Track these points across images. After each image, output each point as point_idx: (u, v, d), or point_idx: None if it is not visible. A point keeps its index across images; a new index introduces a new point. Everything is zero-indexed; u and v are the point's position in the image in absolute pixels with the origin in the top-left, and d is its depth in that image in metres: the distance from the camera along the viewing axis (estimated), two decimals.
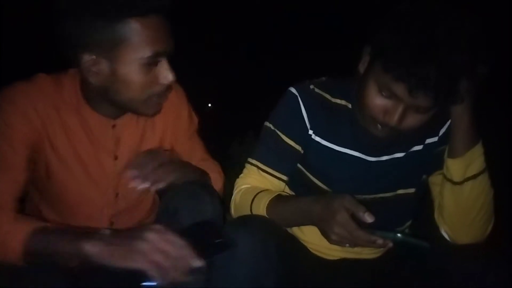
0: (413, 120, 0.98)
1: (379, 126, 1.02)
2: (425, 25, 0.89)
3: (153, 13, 0.93)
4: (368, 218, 0.88)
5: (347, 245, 0.92)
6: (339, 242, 0.92)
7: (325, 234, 0.95)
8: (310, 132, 1.14)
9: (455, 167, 1.05)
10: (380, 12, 0.98)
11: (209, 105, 5.07)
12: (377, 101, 0.98)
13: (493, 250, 0.99)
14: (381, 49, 0.94)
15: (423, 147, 1.14)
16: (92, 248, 0.81)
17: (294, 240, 1.21)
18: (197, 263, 0.81)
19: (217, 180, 1.22)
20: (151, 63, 0.95)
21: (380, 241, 0.87)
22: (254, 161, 1.16)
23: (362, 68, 1.04)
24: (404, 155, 1.14)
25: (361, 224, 0.89)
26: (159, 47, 0.94)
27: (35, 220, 0.90)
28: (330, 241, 0.94)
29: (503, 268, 0.93)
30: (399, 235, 0.86)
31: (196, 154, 1.23)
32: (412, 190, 1.16)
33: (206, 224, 0.94)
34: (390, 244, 0.88)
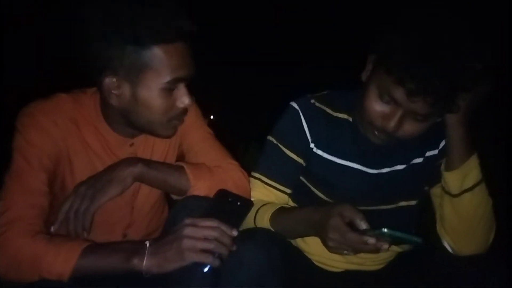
0: (410, 128, 0.99)
1: (376, 132, 1.04)
2: (429, 30, 0.91)
3: (179, 40, 0.95)
4: (363, 225, 0.89)
5: (346, 252, 0.92)
6: (337, 249, 0.92)
7: (323, 242, 0.95)
8: (312, 145, 1.16)
9: (451, 179, 1.06)
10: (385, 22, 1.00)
11: (211, 117, 5.08)
12: (376, 106, 1.00)
13: (494, 257, 1.00)
14: (385, 52, 0.96)
15: (424, 159, 1.15)
16: (142, 263, 0.87)
17: (298, 252, 1.22)
18: (235, 232, 0.91)
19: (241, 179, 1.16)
20: (170, 88, 0.97)
21: (371, 240, 0.86)
22: (258, 175, 1.18)
23: (365, 76, 1.06)
24: (405, 168, 1.15)
25: (358, 231, 0.90)
26: (181, 73, 0.96)
27: (78, 242, 0.91)
28: (328, 248, 0.94)
29: (505, 276, 0.94)
30: (385, 230, 0.86)
31: (212, 153, 1.18)
32: (413, 202, 1.17)
33: (222, 196, 0.99)
34: (386, 246, 0.87)
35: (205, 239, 0.88)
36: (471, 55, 0.90)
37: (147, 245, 0.89)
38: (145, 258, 0.88)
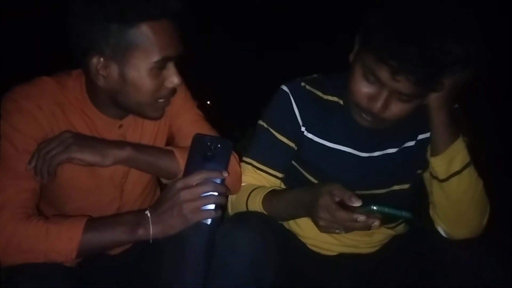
0: (396, 109, 0.98)
1: (363, 114, 1.03)
2: (413, 9, 0.90)
3: (165, 17, 0.93)
4: (355, 202, 0.88)
5: (337, 231, 0.92)
6: (328, 228, 0.92)
7: (314, 222, 0.95)
8: (303, 129, 1.15)
9: (437, 164, 1.05)
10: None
11: (208, 102, 5.07)
12: (362, 87, 0.99)
13: (489, 243, 0.99)
14: (368, 31, 0.95)
15: (416, 143, 1.14)
16: (148, 234, 0.92)
17: (293, 236, 1.22)
18: (225, 173, 0.97)
19: None
20: (159, 67, 0.96)
21: (362, 218, 0.86)
22: (249, 160, 1.18)
23: (352, 57, 1.05)
24: (397, 151, 1.15)
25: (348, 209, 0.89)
26: (169, 52, 0.95)
27: (77, 218, 0.92)
28: (319, 228, 0.94)
29: (499, 260, 0.93)
30: (374, 207, 0.85)
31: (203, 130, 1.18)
32: (406, 186, 1.16)
33: (200, 142, 0.99)
34: (377, 223, 0.87)
35: (201, 196, 0.93)
36: (450, 37, 0.88)
37: (148, 215, 0.93)
38: (150, 228, 0.92)
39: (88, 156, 0.95)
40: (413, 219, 0.89)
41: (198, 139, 0.99)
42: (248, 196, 1.11)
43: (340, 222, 0.89)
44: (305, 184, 1.16)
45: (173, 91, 1.03)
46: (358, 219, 0.87)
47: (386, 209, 0.85)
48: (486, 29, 0.94)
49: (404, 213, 0.87)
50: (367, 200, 0.89)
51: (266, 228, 0.99)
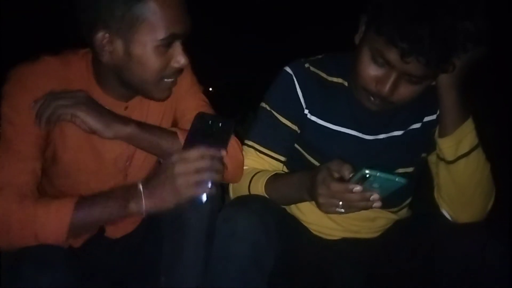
0: (405, 91, 0.97)
1: (371, 97, 1.01)
2: None
3: None
4: (346, 172, 0.87)
5: (338, 209, 0.89)
6: (327, 206, 0.90)
7: (315, 202, 0.93)
8: (306, 111, 1.14)
9: (446, 145, 1.04)
10: None
11: (210, 89, 5.06)
12: (370, 70, 0.97)
13: (493, 228, 0.99)
14: (376, 13, 0.93)
15: (421, 125, 1.13)
16: (139, 207, 0.89)
17: (295, 220, 1.21)
18: (224, 152, 0.90)
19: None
20: (165, 45, 0.94)
21: (357, 188, 0.85)
22: (251, 143, 1.16)
23: (357, 38, 1.03)
24: (402, 134, 1.13)
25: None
26: (176, 28, 0.93)
27: (67, 198, 0.90)
28: (320, 208, 0.92)
29: (503, 245, 0.93)
30: (367, 171, 0.83)
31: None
32: (410, 169, 1.15)
33: (201, 120, 0.96)
34: (376, 196, 0.85)
35: (197, 171, 0.88)
36: (461, 14, 0.86)
37: (140, 188, 0.90)
38: (143, 202, 0.89)
39: (91, 120, 0.94)
40: (407, 185, 0.88)
41: (199, 117, 0.96)
42: (251, 180, 1.10)
43: (337, 194, 0.87)
44: (308, 167, 1.15)
45: (179, 70, 1.01)
46: (354, 190, 0.85)
47: (379, 173, 0.83)
48: (493, 4, 0.92)
49: (398, 179, 0.85)
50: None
51: (267, 212, 0.98)
